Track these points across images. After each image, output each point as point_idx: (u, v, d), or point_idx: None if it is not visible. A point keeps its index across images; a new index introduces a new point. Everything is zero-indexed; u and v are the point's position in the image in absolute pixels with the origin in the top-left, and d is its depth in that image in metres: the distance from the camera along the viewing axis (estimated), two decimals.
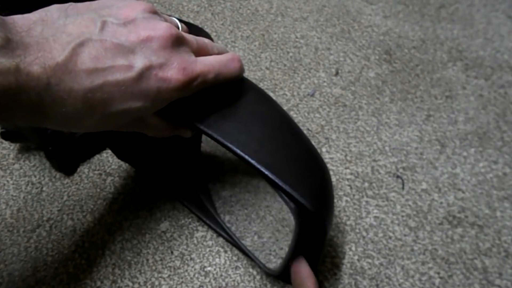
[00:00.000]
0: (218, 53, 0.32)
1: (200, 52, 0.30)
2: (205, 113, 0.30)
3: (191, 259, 0.41)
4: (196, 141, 0.44)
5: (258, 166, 0.28)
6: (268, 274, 0.37)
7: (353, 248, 0.42)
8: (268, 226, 0.41)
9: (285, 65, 0.58)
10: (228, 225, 0.40)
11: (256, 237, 0.40)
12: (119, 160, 0.47)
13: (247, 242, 0.39)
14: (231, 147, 0.29)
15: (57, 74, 0.24)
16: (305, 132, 0.50)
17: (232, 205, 0.42)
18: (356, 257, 0.41)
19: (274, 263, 0.38)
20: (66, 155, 0.45)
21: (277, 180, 0.28)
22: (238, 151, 0.29)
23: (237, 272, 0.40)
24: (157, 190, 0.45)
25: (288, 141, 0.31)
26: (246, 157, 0.29)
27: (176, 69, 0.27)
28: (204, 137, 0.43)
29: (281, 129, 0.32)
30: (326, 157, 0.48)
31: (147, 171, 0.46)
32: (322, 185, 0.31)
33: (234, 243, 0.40)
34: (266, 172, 0.28)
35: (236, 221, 0.41)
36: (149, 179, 0.46)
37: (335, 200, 0.45)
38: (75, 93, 0.25)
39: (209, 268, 0.40)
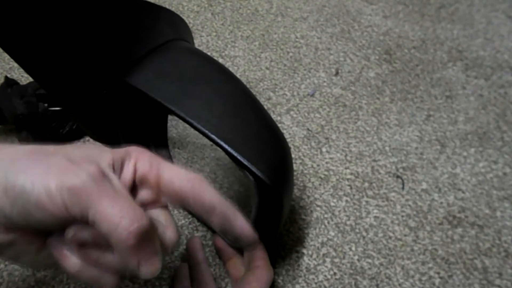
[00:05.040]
0: None
1: None
2: (169, 91, 0.31)
3: None
4: (162, 125, 0.44)
5: (219, 141, 0.30)
6: (232, 246, 0.39)
7: (353, 248, 0.42)
8: (232, 201, 0.42)
9: (285, 65, 0.58)
10: None
11: None
12: None
13: None
14: (193, 122, 0.30)
15: None
16: (305, 132, 0.50)
17: None
18: (356, 257, 0.41)
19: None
20: (36, 127, 0.45)
21: (236, 154, 0.29)
22: (200, 126, 0.30)
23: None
24: None
25: (250, 118, 0.33)
26: (207, 132, 0.30)
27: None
28: (171, 121, 0.44)
29: (243, 106, 0.33)
30: (326, 157, 0.48)
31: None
32: (281, 161, 0.33)
33: (201, 219, 0.42)
34: (226, 147, 0.30)
35: None
36: None
37: (335, 200, 0.45)
38: None
39: None
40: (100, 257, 0.23)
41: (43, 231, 0.23)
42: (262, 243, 0.36)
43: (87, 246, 0.23)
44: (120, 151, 0.25)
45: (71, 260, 0.24)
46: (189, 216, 0.43)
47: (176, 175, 0.25)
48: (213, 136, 0.30)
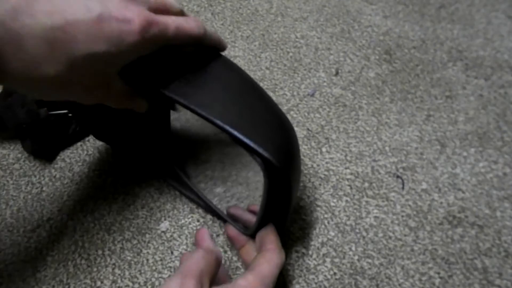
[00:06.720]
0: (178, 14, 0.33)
1: (158, 11, 0.30)
2: (170, 79, 0.31)
3: None
4: (165, 119, 0.44)
5: (223, 125, 0.29)
6: (244, 234, 0.39)
7: (353, 248, 0.42)
8: (241, 189, 0.42)
9: (285, 65, 0.58)
10: (204, 193, 0.42)
11: (232, 201, 0.41)
12: (120, 160, 0.47)
13: (222, 207, 0.41)
14: (196, 109, 0.30)
15: (12, 14, 0.24)
16: (305, 132, 0.50)
17: (207, 174, 0.43)
18: (356, 257, 0.41)
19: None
20: (40, 135, 0.45)
21: (241, 137, 0.29)
22: (203, 113, 0.30)
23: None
24: (135, 171, 0.46)
25: (254, 103, 0.32)
26: (211, 117, 0.30)
27: (135, 13, 0.27)
28: (173, 114, 0.44)
29: (246, 92, 0.33)
30: (326, 157, 0.48)
31: (122, 150, 0.48)
32: (287, 142, 0.33)
33: (211, 210, 0.42)
34: (231, 130, 0.29)
35: (211, 189, 0.42)
36: (126, 160, 0.47)
37: (335, 200, 0.45)
38: (33, 30, 0.25)
39: None
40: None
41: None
42: (273, 226, 0.36)
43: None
44: None
45: None
46: (189, 216, 0.43)
47: None
48: (217, 122, 0.30)
